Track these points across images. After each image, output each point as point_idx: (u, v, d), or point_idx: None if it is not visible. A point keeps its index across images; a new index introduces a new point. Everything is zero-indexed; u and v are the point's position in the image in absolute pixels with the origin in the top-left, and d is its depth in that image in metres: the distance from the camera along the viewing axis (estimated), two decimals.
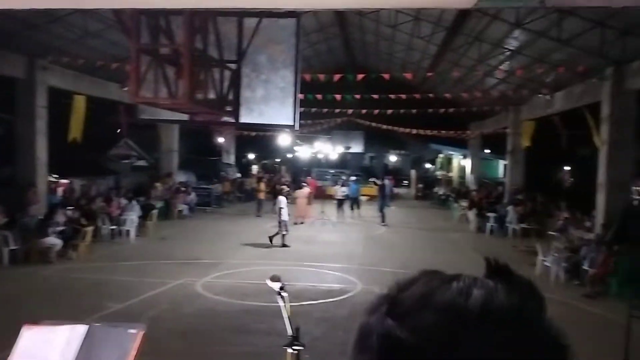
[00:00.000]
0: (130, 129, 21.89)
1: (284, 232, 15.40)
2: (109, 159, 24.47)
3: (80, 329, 2.49)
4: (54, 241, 12.63)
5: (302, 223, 20.11)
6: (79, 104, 16.61)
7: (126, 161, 25.55)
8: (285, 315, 3.12)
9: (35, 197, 14.79)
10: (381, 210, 20.90)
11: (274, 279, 3.14)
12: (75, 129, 16.67)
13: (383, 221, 20.47)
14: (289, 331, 3.15)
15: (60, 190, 19.15)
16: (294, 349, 3.11)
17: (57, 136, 16.85)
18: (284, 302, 3.14)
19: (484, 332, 0.60)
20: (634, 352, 5.99)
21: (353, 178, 26.88)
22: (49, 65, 15.09)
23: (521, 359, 0.61)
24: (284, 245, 15.24)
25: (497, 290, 0.65)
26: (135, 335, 2.47)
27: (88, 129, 17.11)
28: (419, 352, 0.60)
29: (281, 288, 3.17)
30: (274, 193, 24.78)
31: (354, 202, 23.11)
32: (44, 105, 15.24)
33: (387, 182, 23.95)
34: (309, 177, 30.46)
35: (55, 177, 18.81)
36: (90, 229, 13.36)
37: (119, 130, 20.55)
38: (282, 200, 15.91)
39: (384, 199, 21.47)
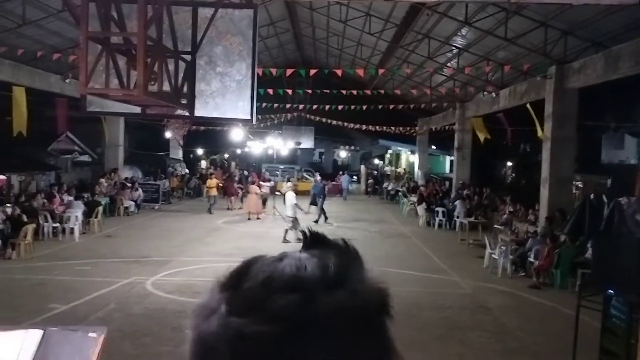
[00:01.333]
0: (73, 123, 21.04)
1: (291, 228, 15.28)
2: (49, 154, 23.43)
3: (35, 334, 2.32)
4: None
5: (258, 219, 19.94)
6: (20, 96, 15.78)
7: (68, 156, 24.55)
8: None
9: None
10: (319, 208, 20.28)
11: None
12: (19, 123, 15.84)
13: (318, 219, 19.62)
14: None
15: None
16: None
17: None
18: None
19: (332, 304, 0.59)
20: (581, 339, 6.22)
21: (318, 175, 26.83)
22: None
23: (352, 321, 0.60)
24: (285, 241, 15.14)
25: (326, 258, 0.64)
26: (95, 339, 2.33)
27: (27, 122, 16.29)
28: (277, 339, 0.57)
29: None
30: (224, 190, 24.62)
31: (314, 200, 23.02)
32: None
33: (318, 178, 23.69)
34: (253, 173, 30.43)
35: None
36: (31, 226, 12.72)
37: (60, 124, 19.66)
38: (291, 196, 15.82)
39: (315, 195, 20.71)
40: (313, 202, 21.32)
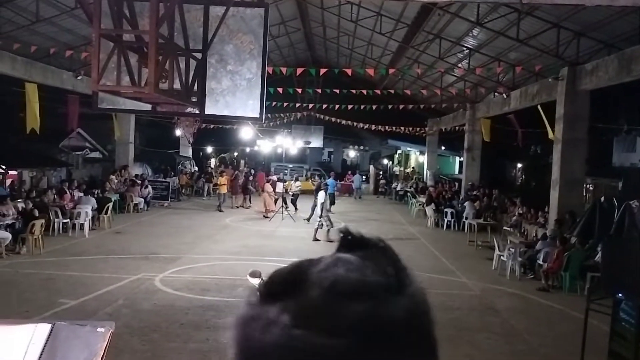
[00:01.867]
0: (84, 120, 21.18)
1: (324, 226, 15.33)
2: (60, 150, 23.61)
3: (44, 328, 2.34)
4: (3, 234, 12.08)
5: (265, 217, 19.97)
6: (32, 93, 15.91)
7: (79, 152, 24.74)
8: None
9: None
10: (313, 208, 19.61)
11: (254, 274, 3.05)
12: (32, 120, 15.97)
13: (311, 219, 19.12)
14: None
15: (8, 182, 18.36)
16: None
17: (5, 125, 16.16)
18: None
19: (400, 311, 0.58)
20: (590, 343, 6.18)
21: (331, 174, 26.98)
22: None
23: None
24: (315, 239, 15.27)
25: (380, 262, 0.62)
26: (103, 334, 2.35)
27: (39, 119, 16.43)
28: (350, 351, 0.54)
29: (261, 284, 3.07)
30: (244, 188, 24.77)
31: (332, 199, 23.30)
32: None
33: (331, 179, 23.46)
34: (261, 173, 30.56)
35: (3, 168, 18.00)
36: (39, 222, 12.82)
37: (71, 121, 19.79)
38: (321, 196, 15.93)
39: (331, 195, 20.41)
40: (331, 202, 21.79)
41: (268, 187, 20.75)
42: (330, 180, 24.84)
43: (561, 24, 12.76)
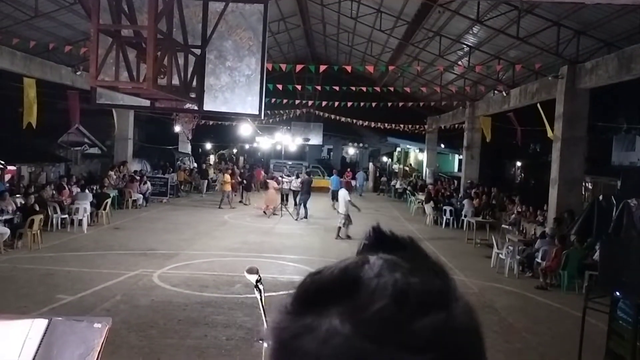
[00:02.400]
0: (83, 115, 21.15)
1: (345, 225, 15.46)
2: (59, 146, 23.59)
3: (41, 323, 2.34)
4: (1, 230, 12.06)
5: (264, 213, 20.00)
6: (30, 88, 15.88)
7: (77, 148, 24.71)
8: (261, 308, 3.04)
9: None
10: (297, 204, 19.86)
11: (251, 271, 3.04)
12: (28, 114, 15.94)
13: (298, 216, 19.38)
14: (266, 325, 3.06)
15: (7, 177, 18.34)
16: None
17: (4, 120, 16.13)
18: (261, 294, 3.05)
19: (464, 320, 0.55)
20: (587, 341, 6.18)
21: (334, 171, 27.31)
22: None
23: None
24: (338, 237, 15.38)
25: (424, 264, 0.58)
26: (100, 329, 2.34)
27: (37, 113, 16.40)
28: None
29: (258, 280, 3.07)
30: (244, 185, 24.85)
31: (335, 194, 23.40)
32: None
33: (305, 176, 23.43)
34: (258, 169, 30.65)
35: (2, 163, 17.98)
36: (38, 217, 12.81)
37: (72, 116, 19.76)
38: (344, 193, 16.06)
39: (304, 194, 19.89)
40: (334, 197, 22.04)
41: (273, 184, 20.76)
42: (334, 178, 25.29)
43: (561, 22, 12.75)
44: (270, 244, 14.25)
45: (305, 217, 19.28)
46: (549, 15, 12.75)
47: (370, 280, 0.53)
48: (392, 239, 0.62)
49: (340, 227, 15.48)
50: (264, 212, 20.10)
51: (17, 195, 14.81)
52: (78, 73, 17.68)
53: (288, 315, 0.55)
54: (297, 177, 23.82)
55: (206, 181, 27.13)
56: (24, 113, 15.99)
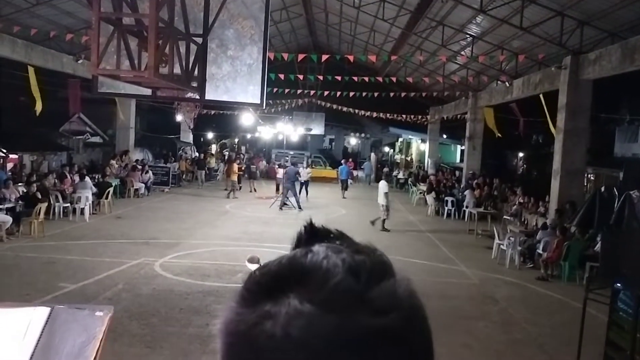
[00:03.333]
0: (84, 104, 21.12)
1: (385, 217, 15.68)
2: (61, 134, 23.60)
3: (43, 311, 2.35)
4: (3, 218, 12.09)
5: (285, 204, 20.05)
6: (32, 76, 15.86)
7: (79, 137, 24.73)
8: None
9: None
10: (294, 196, 19.57)
11: (253, 260, 3.04)
12: (33, 102, 15.95)
13: (299, 207, 19.10)
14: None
15: (9, 166, 18.36)
16: None
17: (5, 109, 16.12)
18: None
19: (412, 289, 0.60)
20: (587, 332, 6.20)
21: (345, 161, 27.87)
22: None
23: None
24: (384, 229, 15.52)
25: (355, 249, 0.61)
26: (102, 318, 2.35)
27: (41, 101, 16.39)
28: (387, 331, 0.54)
29: None
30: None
31: (345, 184, 24.63)
32: None
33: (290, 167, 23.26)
34: (258, 157, 30.74)
35: (3, 152, 18.00)
36: (43, 205, 12.84)
37: (73, 105, 19.72)
38: (384, 185, 16.27)
39: (290, 185, 19.61)
40: (344, 187, 23.99)
41: (280, 174, 20.77)
42: (343, 167, 25.73)
43: (565, 12, 12.66)
44: (271, 234, 14.27)
45: (299, 207, 19.14)
46: (553, 5, 12.66)
47: (320, 262, 0.56)
48: (325, 232, 0.65)
49: (384, 220, 15.78)
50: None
51: (20, 184, 14.83)
52: (79, 61, 17.63)
53: (241, 308, 0.56)
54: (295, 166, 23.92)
55: (204, 171, 26.76)
56: (34, 100, 15.98)
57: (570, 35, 13.15)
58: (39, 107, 16.10)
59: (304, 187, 21.95)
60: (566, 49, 13.56)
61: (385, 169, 34.54)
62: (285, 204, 19.30)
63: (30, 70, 15.85)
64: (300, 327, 0.52)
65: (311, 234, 0.66)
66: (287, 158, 28.67)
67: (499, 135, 21.01)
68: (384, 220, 15.74)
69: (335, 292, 0.54)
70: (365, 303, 0.54)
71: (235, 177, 22.33)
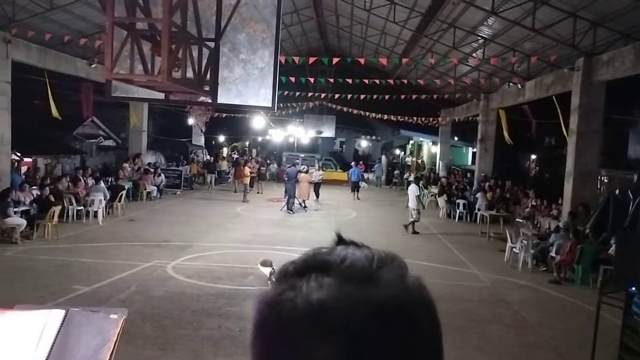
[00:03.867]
0: (98, 108, 21.32)
1: (416, 220, 16.00)
2: (74, 138, 23.83)
3: (58, 314, 2.38)
4: (18, 221, 12.23)
5: (305, 207, 20.20)
6: (49, 84, 16.04)
7: (93, 140, 24.95)
8: None
9: None
10: (289, 196, 19.49)
11: (265, 263, 3.06)
12: (55, 106, 16.11)
13: (289, 208, 19.14)
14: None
15: (23, 169, 18.57)
16: None
17: (20, 113, 16.28)
18: None
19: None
20: (601, 336, 6.14)
21: (356, 163, 28.05)
22: (13, 38, 14.47)
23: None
24: (414, 232, 15.85)
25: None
26: (116, 320, 2.37)
27: (55, 106, 16.58)
28: (398, 306, 0.65)
29: (272, 273, 3.09)
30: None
31: (356, 186, 25.11)
32: (8, 81, 14.63)
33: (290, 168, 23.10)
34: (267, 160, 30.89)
35: (18, 155, 18.22)
36: (57, 208, 12.97)
37: (86, 108, 19.92)
38: (414, 189, 16.56)
39: (289, 185, 19.62)
40: (353, 189, 24.61)
41: (305, 177, 20.86)
42: (354, 170, 26.13)
43: (577, 13, 12.57)
44: (283, 236, 14.30)
45: (291, 209, 19.07)
46: (565, 6, 12.58)
47: (340, 252, 0.68)
48: (350, 241, 0.74)
49: (413, 222, 16.03)
50: (300, 204, 20.18)
51: (33, 187, 15.00)
52: (93, 66, 17.80)
53: (276, 283, 0.67)
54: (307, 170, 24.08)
55: (214, 175, 26.42)
56: (51, 106, 16.15)
57: (583, 37, 13.06)
58: (54, 111, 16.27)
59: (316, 188, 22.08)
60: (579, 50, 13.47)
61: (396, 172, 34.47)
62: (291, 205, 19.32)
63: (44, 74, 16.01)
64: (318, 295, 0.62)
65: (339, 243, 0.74)
66: (297, 160, 28.79)
67: (510, 142, 20.88)
68: (413, 224, 16.04)
69: (350, 269, 0.65)
70: (375, 279, 0.64)
71: (247, 180, 22.32)
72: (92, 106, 20.08)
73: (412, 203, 16.29)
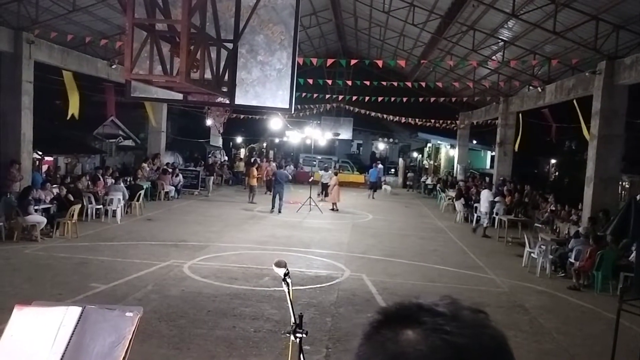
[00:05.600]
0: (117, 108, 21.57)
1: (487, 225, 16.46)
2: (94, 138, 24.14)
3: (75, 311, 2.40)
4: (38, 219, 12.43)
5: (336, 210, 20.33)
6: (69, 81, 16.26)
7: (112, 140, 25.25)
8: (289, 301, 3.05)
9: (19, 173, 14.52)
10: (274, 198, 19.39)
11: (280, 264, 3.05)
12: (73, 106, 16.32)
13: (273, 209, 19.08)
14: (293, 318, 3.07)
15: (44, 168, 18.86)
16: (296, 336, 3.03)
17: (42, 112, 16.54)
18: (289, 288, 3.06)
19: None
20: (621, 344, 6.04)
21: (376, 164, 29.32)
22: (35, 39, 14.71)
23: None
24: (485, 236, 16.20)
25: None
26: (132, 318, 2.39)
27: (79, 105, 16.78)
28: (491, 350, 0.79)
29: (286, 274, 3.09)
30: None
31: (373, 186, 26.29)
32: (30, 80, 14.89)
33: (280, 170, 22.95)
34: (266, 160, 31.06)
35: (39, 154, 18.51)
36: (77, 207, 13.15)
37: (109, 108, 20.15)
38: (487, 194, 17.10)
39: (278, 187, 19.44)
40: (372, 187, 25.65)
41: (334, 180, 20.96)
42: (373, 170, 27.06)
43: (600, 16, 12.39)
44: (298, 238, 14.31)
45: (279, 211, 18.90)
46: (587, 9, 12.41)
47: (438, 305, 0.82)
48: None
49: (485, 227, 16.44)
50: (331, 209, 20.42)
51: (54, 186, 15.22)
52: (113, 66, 18.02)
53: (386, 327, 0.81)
54: (325, 170, 24.31)
55: (212, 178, 25.35)
56: (68, 105, 16.36)
57: (606, 40, 12.87)
58: (73, 111, 16.44)
59: (324, 188, 22.78)
60: (601, 53, 13.28)
61: (410, 174, 34.27)
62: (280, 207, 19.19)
63: (68, 74, 16.23)
64: (433, 339, 0.76)
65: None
66: (314, 161, 28.88)
67: (518, 149, 20.82)
68: (485, 228, 16.40)
69: (459, 321, 0.79)
70: (457, 322, 0.78)
71: (254, 182, 22.11)
72: (114, 106, 20.28)
73: (484, 208, 16.74)
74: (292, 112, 6.60)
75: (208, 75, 5.54)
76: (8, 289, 8.43)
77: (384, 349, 0.77)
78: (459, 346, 0.75)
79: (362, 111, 27.38)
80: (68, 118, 16.46)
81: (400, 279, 10.57)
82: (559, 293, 10.44)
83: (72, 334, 2.38)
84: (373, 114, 27.58)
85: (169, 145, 26.53)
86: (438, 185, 28.14)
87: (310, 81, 19.15)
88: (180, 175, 22.63)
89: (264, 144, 41.56)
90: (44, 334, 2.39)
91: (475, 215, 19.33)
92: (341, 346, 6.88)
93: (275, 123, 29.14)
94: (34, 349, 2.35)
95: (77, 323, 2.41)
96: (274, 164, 27.96)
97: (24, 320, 2.41)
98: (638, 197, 12.20)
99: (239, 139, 38.34)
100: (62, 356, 2.32)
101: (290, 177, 20.60)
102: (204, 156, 29.50)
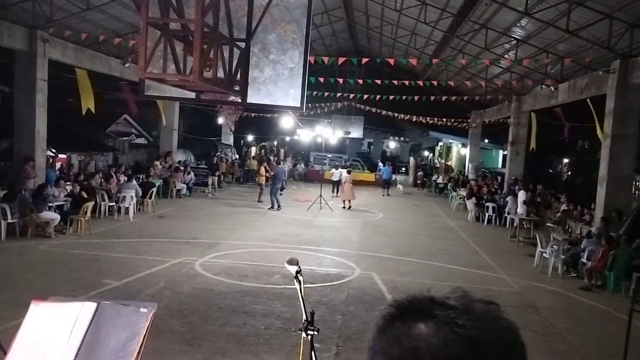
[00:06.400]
0: (131, 106, 21.69)
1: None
2: (107, 135, 24.34)
3: (90, 307, 2.44)
4: (52, 215, 12.57)
5: (349, 208, 20.46)
6: (83, 78, 16.39)
7: (125, 138, 25.44)
8: (300, 299, 3.07)
9: (33, 170, 14.68)
10: (271, 194, 19.29)
11: (292, 262, 3.08)
12: (87, 101, 16.43)
13: (272, 206, 19.00)
14: (304, 316, 3.09)
15: (58, 165, 19.04)
16: (308, 334, 3.06)
17: (55, 110, 16.70)
18: (300, 285, 3.09)
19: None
20: (633, 344, 6.00)
21: (389, 163, 30.13)
22: (50, 37, 14.87)
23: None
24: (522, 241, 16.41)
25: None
26: (146, 314, 2.43)
27: (95, 101, 16.89)
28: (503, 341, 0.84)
29: (298, 272, 3.11)
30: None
31: (386, 183, 26.99)
32: (44, 78, 15.04)
33: (279, 166, 22.50)
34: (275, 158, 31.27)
35: (53, 152, 18.70)
36: (91, 204, 13.28)
37: (130, 106, 20.26)
38: (522, 195, 17.37)
39: (275, 184, 19.43)
40: (384, 186, 26.35)
41: (349, 179, 21.03)
42: (385, 169, 27.69)
43: (614, 14, 12.28)
44: (309, 236, 14.34)
45: (279, 207, 18.98)
46: (601, 7, 12.31)
47: (449, 297, 0.85)
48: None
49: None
50: (345, 206, 20.56)
51: (67, 183, 15.38)
52: (127, 65, 18.15)
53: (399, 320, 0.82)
54: (336, 169, 24.51)
55: (215, 178, 24.75)
56: (81, 101, 16.49)
57: (620, 39, 12.75)
58: (88, 105, 16.49)
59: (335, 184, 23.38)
60: (615, 52, 13.16)
61: (420, 173, 34.21)
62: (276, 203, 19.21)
63: (81, 72, 16.35)
64: (449, 331, 0.78)
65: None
66: (324, 160, 28.93)
67: (534, 149, 20.62)
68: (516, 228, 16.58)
69: (471, 311, 0.83)
70: (470, 312, 0.81)
71: (262, 180, 21.86)
72: (133, 104, 20.36)
73: (521, 209, 17.05)
74: (304, 110, 6.63)
75: (221, 74, 5.58)
76: (22, 284, 8.55)
77: (398, 343, 0.78)
78: (471, 339, 0.75)
79: (373, 110, 27.34)
80: (84, 113, 16.56)
81: (410, 278, 10.56)
82: (570, 293, 10.38)
83: (88, 329, 2.42)
84: (384, 112, 27.52)
85: (181, 143, 26.67)
86: (449, 184, 28.06)
87: (322, 80, 19.16)
88: (192, 173, 22.75)
89: (275, 142, 41.63)
90: (60, 328, 2.43)
91: (487, 214, 19.24)
92: (351, 344, 6.90)
93: (286, 121, 29.19)
94: (50, 343, 2.39)
95: (93, 318, 2.45)
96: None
97: (41, 315, 2.46)
98: None
99: (250, 137, 38.45)
100: (78, 351, 2.37)
101: (285, 173, 20.61)
102: (208, 155, 29.45)
